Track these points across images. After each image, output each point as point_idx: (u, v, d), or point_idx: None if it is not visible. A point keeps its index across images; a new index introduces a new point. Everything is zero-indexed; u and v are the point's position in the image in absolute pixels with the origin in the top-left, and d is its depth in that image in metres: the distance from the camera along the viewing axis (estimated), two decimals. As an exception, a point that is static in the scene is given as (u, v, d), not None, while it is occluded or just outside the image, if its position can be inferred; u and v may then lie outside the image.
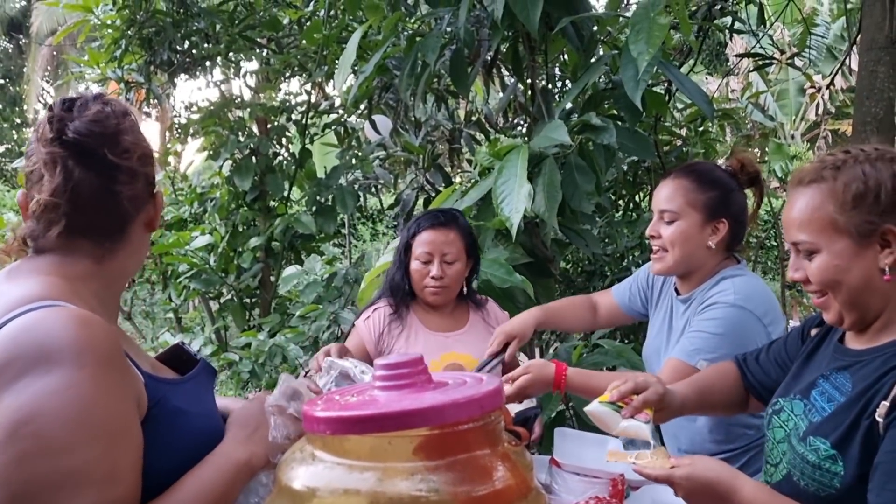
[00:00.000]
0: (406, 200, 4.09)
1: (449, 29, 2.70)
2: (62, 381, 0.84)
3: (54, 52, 17.34)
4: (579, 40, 2.58)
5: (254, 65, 4.47)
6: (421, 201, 3.95)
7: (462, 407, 0.59)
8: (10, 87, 21.55)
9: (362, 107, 3.95)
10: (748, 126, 8.78)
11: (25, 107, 19.82)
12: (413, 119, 3.90)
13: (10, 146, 22.46)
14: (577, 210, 2.38)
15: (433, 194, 3.74)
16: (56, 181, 0.97)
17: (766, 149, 9.09)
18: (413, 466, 0.57)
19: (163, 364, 1.13)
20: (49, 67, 18.50)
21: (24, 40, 19.64)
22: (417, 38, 2.78)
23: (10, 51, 21.31)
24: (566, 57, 3.15)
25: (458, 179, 4.09)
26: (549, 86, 3.24)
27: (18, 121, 22.11)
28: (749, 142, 8.50)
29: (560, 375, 1.60)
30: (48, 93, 21.00)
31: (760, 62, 4.26)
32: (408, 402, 0.60)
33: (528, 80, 2.90)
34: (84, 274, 1.01)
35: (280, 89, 5.02)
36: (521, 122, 3.81)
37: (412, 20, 3.24)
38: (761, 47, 4.40)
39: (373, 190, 4.67)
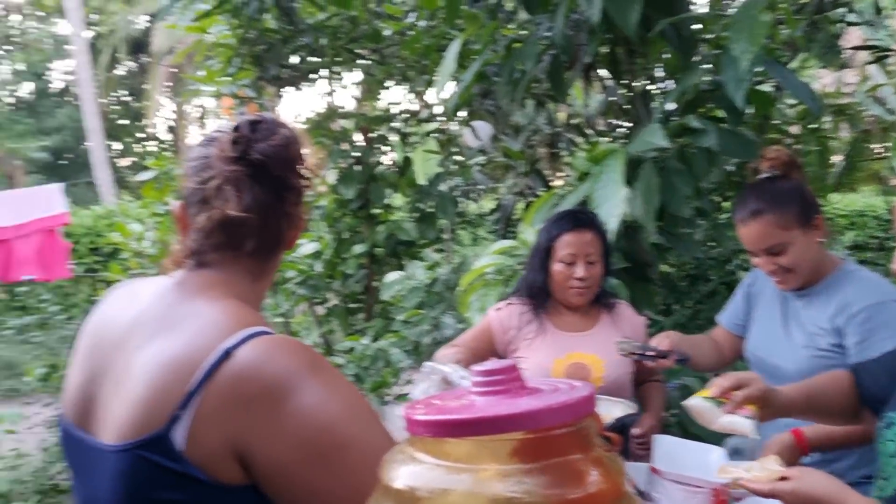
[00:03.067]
0: (506, 205, 4.12)
1: (547, 34, 2.71)
2: (320, 392, 0.91)
3: (172, 69, 18.36)
4: (679, 41, 2.53)
5: (356, 76, 4.61)
6: (521, 206, 3.97)
7: (555, 412, 0.60)
8: (135, 104, 22.99)
9: (462, 113, 4.00)
10: (866, 121, 8.32)
11: (146, 121, 21.09)
12: (512, 124, 3.92)
13: (135, 159, 23.96)
14: (677, 214, 2.34)
15: (533, 199, 3.75)
16: (245, 199, 1.02)
17: (888, 144, 8.59)
18: (508, 469, 0.59)
19: None
20: (168, 83, 19.61)
21: (145, 59, 20.87)
22: (515, 45, 2.80)
23: (134, 69, 22.71)
24: (667, 56, 3.10)
25: (558, 183, 4.09)
26: (650, 86, 3.19)
27: (142, 135, 23.55)
28: (867, 137, 8.05)
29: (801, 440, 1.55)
30: (166, 107, 22.24)
31: (878, 54, 4.05)
32: (503, 408, 0.62)
33: (628, 83, 2.87)
34: (246, 293, 1.06)
35: (380, 99, 5.15)
36: (622, 125, 3.77)
37: (510, 26, 3.26)
38: (879, 39, 4.18)
39: (472, 195, 4.72)
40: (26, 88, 21.44)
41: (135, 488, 0.93)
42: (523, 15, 2.99)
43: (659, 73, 3.40)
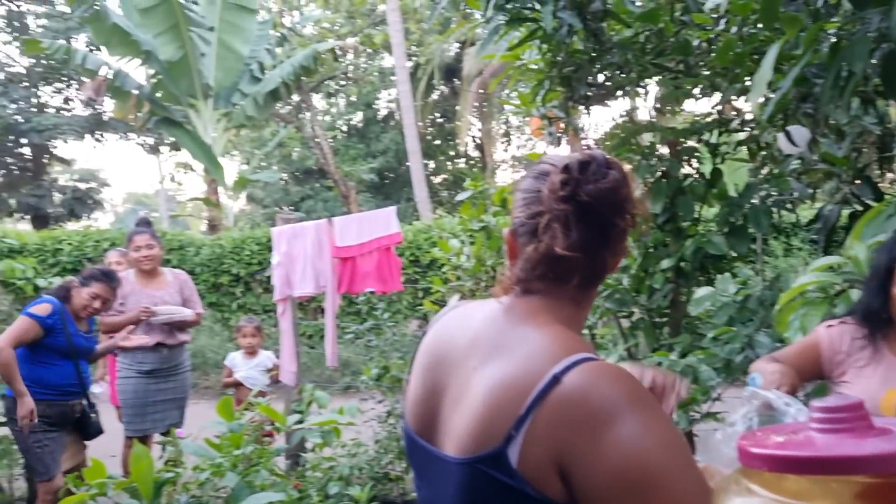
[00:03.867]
0: (828, 216, 3.79)
1: (881, 25, 2.46)
2: (640, 424, 0.94)
3: (480, 91, 19.49)
4: None
5: (661, 89, 4.54)
6: (845, 216, 3.64)
7: (909, 458, 0.59)
8: (447, 125, 24.82)
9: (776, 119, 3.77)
10: None
11: (457, 141, 22.63)
12: (833, 126, 3.60)
13: (446, 176, 25.82)
14: None
15: (860, 209, 3.42)
16: (571, 237, 1.08)
17: None
18: (854, 512, 0.59)
19: None
20: (476, 104, 20.88)
21: (457, 83, 22.40)
22: (842, 43, 2.59)
23: (446, 93, 24.53)
24: None
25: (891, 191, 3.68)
26: None
27: (452, 154, 25.33)
28: None
29: None
30: (476, 127, 23.68)
31: None
32: (848, 448, 0.62)
33: None
34: (569, 318, 1.13)
35: (685, 111, 5.01)
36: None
37: (833, 20, 3.01)
38: None
39: (788, 206, 4.40)
40: (358, 117, 24.20)
41: (474, 498, 1.04)
42: (844, 8, 2.75)
43: None
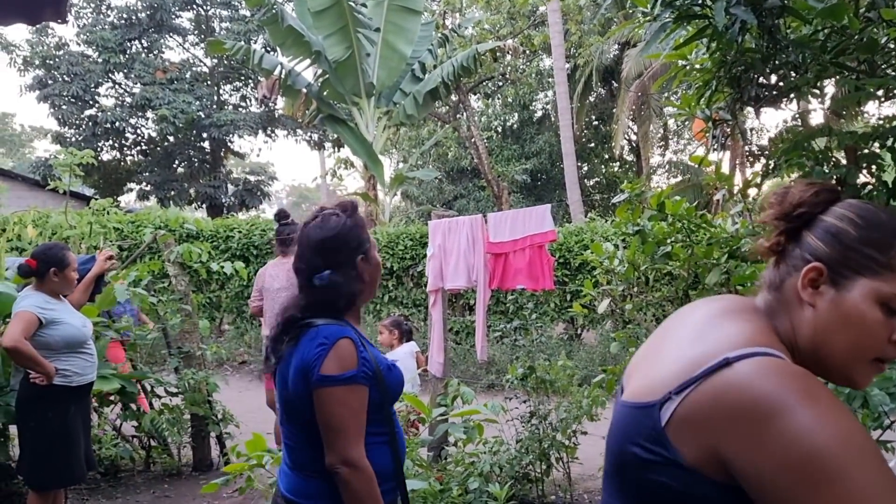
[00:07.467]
0: None
1: None
2: (809, 418, 0.96)
3: (639, 94, 19.02)
4: None
5: (840, 90, 4.24)
6: None
7: None
8: (602, 127, 24.42)
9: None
10: None
11: (613, 144, 22.23)
12: None
13: (599, 180, 25.38)
14: None
15: None
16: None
17: None
18: None
19: None
20: (633, 107, 20.39)
21: (615, 85, 21.97)
22: None
23: (603, 95, 24.13)
24: None
25: None
26: None
27: (607, 156, 24.89)
28: None
29: None
30: (633, 130, 23.16)
31: None
32: None
33: None
34: (776, 321, 1.21)
35: (868, 113, 4.65)
36: None
37: None
38: None
39: None
40: (513, 118, 24.30)
41: (625, 431, 1.16)
42: None
43: None
